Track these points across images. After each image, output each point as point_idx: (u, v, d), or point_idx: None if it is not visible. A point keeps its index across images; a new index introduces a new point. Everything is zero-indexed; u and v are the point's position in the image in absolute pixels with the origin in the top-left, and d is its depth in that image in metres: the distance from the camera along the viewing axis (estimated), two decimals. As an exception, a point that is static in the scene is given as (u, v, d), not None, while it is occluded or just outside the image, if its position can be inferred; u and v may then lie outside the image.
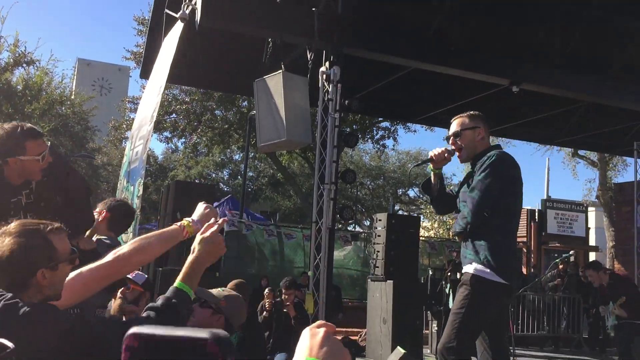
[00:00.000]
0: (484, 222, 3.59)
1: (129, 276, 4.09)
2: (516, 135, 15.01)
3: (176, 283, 1.92)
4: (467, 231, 3.62)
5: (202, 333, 0.43)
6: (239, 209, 17.09)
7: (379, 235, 8.92)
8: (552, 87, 9.62)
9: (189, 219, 2.24)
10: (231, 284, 5.33)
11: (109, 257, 2.09)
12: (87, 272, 2.02)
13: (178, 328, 0.44)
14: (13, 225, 1.81)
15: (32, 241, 1.76)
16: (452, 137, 3.82)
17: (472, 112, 3.93)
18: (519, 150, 75.37)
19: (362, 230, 26.18)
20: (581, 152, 22.90)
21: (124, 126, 22.33)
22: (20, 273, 1.75)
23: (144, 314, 1.82)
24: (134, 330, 0.45)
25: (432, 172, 3.93)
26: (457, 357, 3.51)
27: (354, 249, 16.85)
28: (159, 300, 1.85)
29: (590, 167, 24.17)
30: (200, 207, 2.31)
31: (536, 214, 17.54)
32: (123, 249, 2.12)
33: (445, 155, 3.83)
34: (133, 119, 20.56)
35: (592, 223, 21.89)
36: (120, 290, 3.33)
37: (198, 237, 1.99)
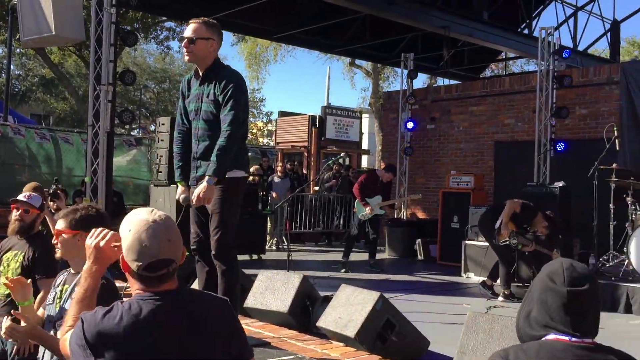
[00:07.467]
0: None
1: (23, 199, 3.78)
2: (300, 43, 15.42)
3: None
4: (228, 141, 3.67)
5: None
6: (2, 110, 15.31)
7: (162, 140, 8.71)
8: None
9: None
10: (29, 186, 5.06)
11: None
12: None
13: None
14: None
15: None
16: (186, 41, 3.74)
17: (209, 21, 3.83)
18: (300, 61, 78.45)
19: (146, 136, 25.28)
20: (358, 62, 24.38)
21: None
22: None
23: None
24: None
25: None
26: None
27: (138, 154, 16.25)
28: None
29: (365, 77, 25.93)
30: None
31: (317, 120, 18.48)
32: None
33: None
34: None
35: (365, 129, 23.76)
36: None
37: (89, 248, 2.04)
